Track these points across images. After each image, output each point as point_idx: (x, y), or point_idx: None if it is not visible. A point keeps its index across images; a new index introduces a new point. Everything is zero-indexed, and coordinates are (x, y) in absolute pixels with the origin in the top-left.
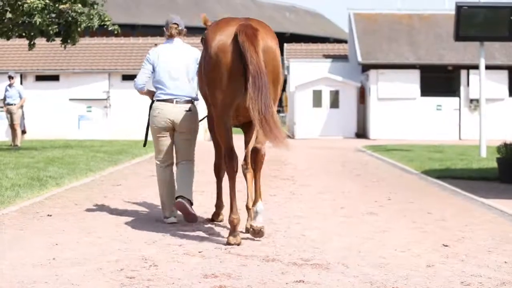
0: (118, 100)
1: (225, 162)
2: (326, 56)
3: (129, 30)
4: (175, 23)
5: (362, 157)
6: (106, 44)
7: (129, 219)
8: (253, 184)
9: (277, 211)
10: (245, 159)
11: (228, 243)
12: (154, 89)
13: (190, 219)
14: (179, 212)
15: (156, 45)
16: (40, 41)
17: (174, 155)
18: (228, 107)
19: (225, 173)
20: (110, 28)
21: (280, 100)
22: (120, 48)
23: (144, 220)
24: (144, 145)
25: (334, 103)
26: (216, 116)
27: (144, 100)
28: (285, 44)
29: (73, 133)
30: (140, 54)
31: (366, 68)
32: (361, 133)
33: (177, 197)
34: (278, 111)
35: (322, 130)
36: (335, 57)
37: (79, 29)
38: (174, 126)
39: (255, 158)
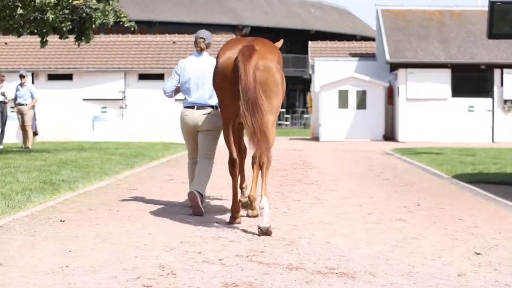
0: (134, 101)
1: (229, 166)
2: (353, 55)
3: (146, 27)
4: (202, 37)
5: (390, 160)
6: (122, 42)
7: (146, 225)
8: (261, 180)
9: (301, 217)
10: (254, 157)
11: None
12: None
13: (196, 212)
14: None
15: (174, 42)
16: (53, 39)
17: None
18: (231, 116)
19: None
20: (126, 25)
21: (305, 101)
22: (136, 46)
23: (162, 226)
24: None
25: (361, 104)
26: (222, 125)
27: (161, 100)
28: (309, 42)
29: (87, 134)
30: (157, 52)
31: (394, 67)
32: (389, 135)
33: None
34: (302, 112)
35: (348, 132)
36: (362, 56)
37: (93, 26)
38: (197, 128)
39: (260, 160)
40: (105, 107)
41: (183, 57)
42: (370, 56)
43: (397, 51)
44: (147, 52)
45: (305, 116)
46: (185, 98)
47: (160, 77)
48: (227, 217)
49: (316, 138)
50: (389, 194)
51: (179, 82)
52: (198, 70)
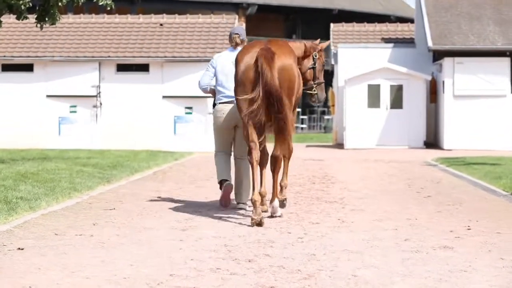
0: (112, 98)
1: (248, 154)
2: (386, 40)
3: (127, 5)
4: (236, 33)
5: (433, 173)
6: (96, 24)
7: (126, 253)
8: (273, 182)
9: (321, 243)
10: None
11: (252, 220)
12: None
13: (224, 202)
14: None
15: (161, 25)
16: (8, 19)
17: (233, 148)
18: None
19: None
20: (101, 3)
21: (326, 99)
22: (114, 29)
23: (146, 255)
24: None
25: (396, 102)
26: (242, 123)
27: (146, 98)
28: (331, 25)
29: (52, 140)
30: (140, 37)
31: (439, 55)
32: (432, 141)
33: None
34: (322, 113)
35: (380, 138)
36: (398, 41)
37: (60, 4)
38: (236, 124)
39: (274, 162)
40: (75, 106)
41: (172, 43)
42: (408, 42)
43: (442, 36)
44: (127, 37)
45: (326, 117)
46: (218, 94)
47: (144, 68)
48: (226, 241)
49: (339, 145)
50: (432, 215)
51: (214, 76)
52: (233, 65)
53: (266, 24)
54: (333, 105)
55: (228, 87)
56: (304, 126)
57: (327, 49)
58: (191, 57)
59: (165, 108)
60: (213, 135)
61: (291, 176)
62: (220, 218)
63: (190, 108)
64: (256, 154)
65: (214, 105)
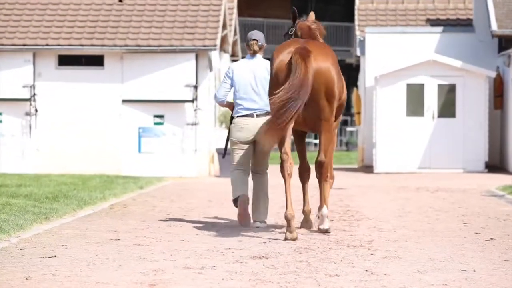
0: (52, 102)
1: (280, 168)
2: (433, 22)
3: None
4: (254, 39)
5: (499, 207)
6: (30, 1)
7: None
8: (320, 191)
9: None
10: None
11: (285, 239)
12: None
13: (243, 221)
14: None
15: (121, 0)
16: None
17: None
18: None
19: (306, 177)
20: None
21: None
22: (54, 8)
23: None
24: (224, 156)
25: (447, 109)
26: (271, 129)
27: (101, 102)
28: (356, 1)
29: None
30: (92, 18)
31: (506, 43)
32: (497, 163)
33: (253, 219)
34: (344, 123)
35: (424, 158)
36: (450, 24)
37: None
38: (255, 138)
39: (319, 169)
40: (0, 114)
41: (136, 27)
42: (463, 25)
43: None
44: (73, 17)
45: (349, 129)
46: (237, 106)
47: (97, 61)
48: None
49: (367, 168)
50: (496, 265)
51: (231, 87)
52: (252, 74)
53: (266, 1)
54: (359, 113)
55: (247, 99)
56: (317, 141)
57: (351, 33)
58: (162, 47)
59: (126, 116)
60: (230, 150)
61: (298, 210)
62: (201, 268)
63: (160, 116)
64: (288, 167)
65: (232, 118)
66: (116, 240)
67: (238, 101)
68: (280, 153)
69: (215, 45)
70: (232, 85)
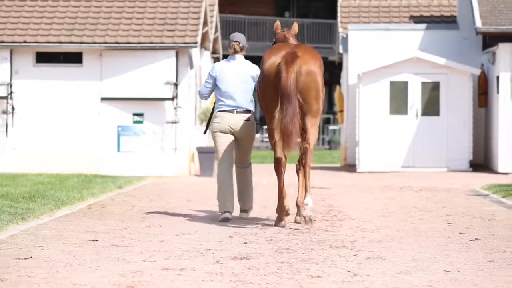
0: (29, 100)
1: (274, 167)
2: (416, 19)
3: None
4: (236, 41)
5: (483, 206)
6: None
7: None
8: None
9: None
10: (299, 160)
11: (275, 225)
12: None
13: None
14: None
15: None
16: None
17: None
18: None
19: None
20: None
21: (330, 101)
22: (33, 3)
23: None
24: (204, 132)
25: (431, 107)
26: (268, 129)
27: (79, 101)
28: None
29: None
30: (70, 15)
31: (491, 40)
32: (481, 161)
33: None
34: (327, 121)
35: (408, 157)
36: (434, 21)
37: None
38: (234, 133)
39: (305, 155)
40: None
41: (115, 24)
42: (447, 22)
43: (496, 13)
44: (51, 14)
45: (331, 127)
46: (218, 102)
47: (75, 58)
48: None
49: (350, 167)
50: (481, 266)
51: (215, 85)
52: (234, 74)
53: None
54: (341, 111)
55: (229, 97)
56: (298, 140)
57: (333, 30)
58: (141, 44)
59: (105, 114)
60: (214, 145)
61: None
62: (180, 269)
63: (140, 115)
64: (281, 168)
65: (211, 115)
66: (94, 240)
67: (220, 98)
68: (274, 155)
69: (195, 42)
70: (215, 83)
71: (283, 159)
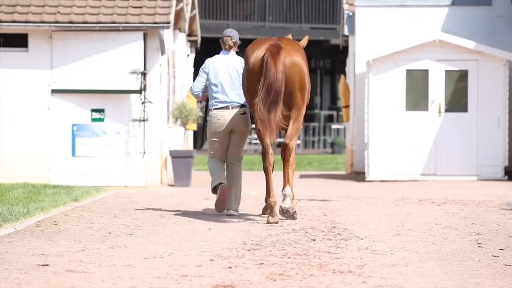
0: None
1: (262, 157)
2: None
3: None
4: (229, 36)
5: None
6: None
7: None
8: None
9: None
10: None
11: (268, 222)
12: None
13: (219, 207)
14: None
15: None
16: None
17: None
18: None
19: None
20: None
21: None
22: None
23: None
24: (201, 146)
25: (456, 101)
26: (254, 121)
27: (24, 91)
28: None
29: None
30: None
31: None
32: None
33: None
34: (328, 119)
35: (429, 162)
36: None
37: None
38: (231, 129)
39: (284, 151)
40: None
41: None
42: None
43: None
44: None
45: (335, 127)
46: (212, 99)
47: (20, 41)
48: None
49: (358, 175)
50: None
51: (207, 81)
52: (226, 70)
53: None
54: (347, 106)
55: (222, 92)
56: (297, 142)
57: (337, 9)
58: (101, 24)
59: (57, 110)
60: (208, 142)
61: (270, 227)
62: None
63: (100, 111)
64: (270, 158)
65: (206, 111)
66: (43, 265)
67: (214, 95)
68: (262, 145)
69: (168, 22)
70: (207, 79)
71: (270, 150)
